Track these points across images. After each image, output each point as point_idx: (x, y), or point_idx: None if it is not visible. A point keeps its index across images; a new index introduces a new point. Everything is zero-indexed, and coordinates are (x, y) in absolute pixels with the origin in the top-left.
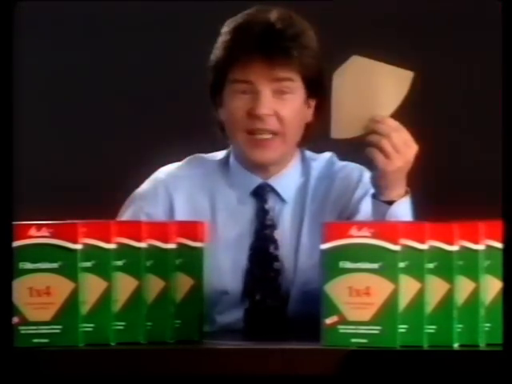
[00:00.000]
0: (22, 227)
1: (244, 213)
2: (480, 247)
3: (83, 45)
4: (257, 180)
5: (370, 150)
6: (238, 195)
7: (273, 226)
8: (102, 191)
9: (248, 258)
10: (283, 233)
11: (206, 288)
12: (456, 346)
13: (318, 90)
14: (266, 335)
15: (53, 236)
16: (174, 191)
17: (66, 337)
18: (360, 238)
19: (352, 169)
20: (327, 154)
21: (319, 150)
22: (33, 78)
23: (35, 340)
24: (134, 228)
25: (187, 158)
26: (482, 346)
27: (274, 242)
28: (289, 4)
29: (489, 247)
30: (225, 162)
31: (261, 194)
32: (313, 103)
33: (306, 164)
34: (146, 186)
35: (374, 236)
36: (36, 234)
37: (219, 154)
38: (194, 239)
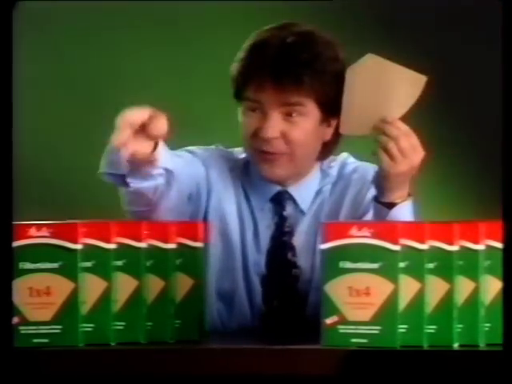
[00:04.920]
0: (22, 227)
1: (262, 218)
2: (480, 247)
3: (84, 44)
4: (275, 187)
5: (377, 151)
6: (256, 199)
7: (291, 233)
8: (101, 191)
9: (265, 264)
10: (300, 239)
11: (216, 290)
12: (456, 345)
13: (338, 110)
14: (285, 340)
15: (53, 236)
16: (209, 166)
17: (65, 337)
18: (360, 237)
19: (366, 169)
20: (343, 155)
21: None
22: (33, 78)
23: (35, 340)
24: (134, 228)
25: (212, 147)
26: (482, 345)
27: (292, 248)
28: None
29: (489, 247)
30: (247, 163)
31: (279, 200)
32: (334, 122)
33: (324, 173)
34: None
35: (374, 236)
36: (36, 233)
37: (241, 153)
38: (194, 239)
